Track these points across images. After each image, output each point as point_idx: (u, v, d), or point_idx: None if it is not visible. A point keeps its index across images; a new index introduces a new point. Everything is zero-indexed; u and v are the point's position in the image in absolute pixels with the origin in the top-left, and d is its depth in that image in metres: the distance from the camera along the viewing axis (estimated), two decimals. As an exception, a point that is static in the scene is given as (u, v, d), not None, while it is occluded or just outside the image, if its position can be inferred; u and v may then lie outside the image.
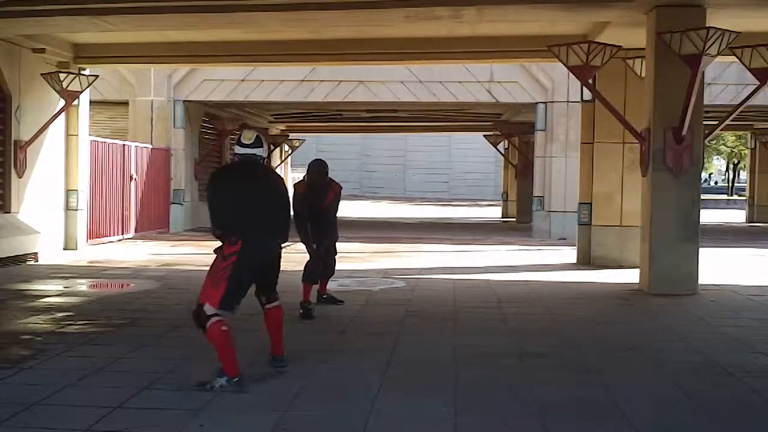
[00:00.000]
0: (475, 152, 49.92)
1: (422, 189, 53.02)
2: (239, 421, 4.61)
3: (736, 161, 58.78)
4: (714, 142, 49.72)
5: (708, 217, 21.94)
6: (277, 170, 24.42)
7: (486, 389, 5.37)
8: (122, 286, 10.27)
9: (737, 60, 10.42)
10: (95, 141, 15.33)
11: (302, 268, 8.27)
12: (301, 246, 8.17)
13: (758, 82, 10.39)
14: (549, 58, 11.06)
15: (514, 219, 25.77)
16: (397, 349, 6.54)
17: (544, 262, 13.32)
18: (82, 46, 13.55)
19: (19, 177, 12.37)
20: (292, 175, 30.34)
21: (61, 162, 13.70)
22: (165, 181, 18.63)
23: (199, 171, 20.04)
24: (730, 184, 61.98)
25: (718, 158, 66.55)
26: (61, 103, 12.98)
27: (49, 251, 12.76)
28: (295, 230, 7.46)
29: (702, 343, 6.93)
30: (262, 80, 18.56)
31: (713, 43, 8.99)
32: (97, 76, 13.57)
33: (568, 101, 18.29)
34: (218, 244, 5.48)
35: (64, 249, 13.61)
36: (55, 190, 13.51)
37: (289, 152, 28.90)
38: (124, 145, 16.85)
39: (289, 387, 5.28)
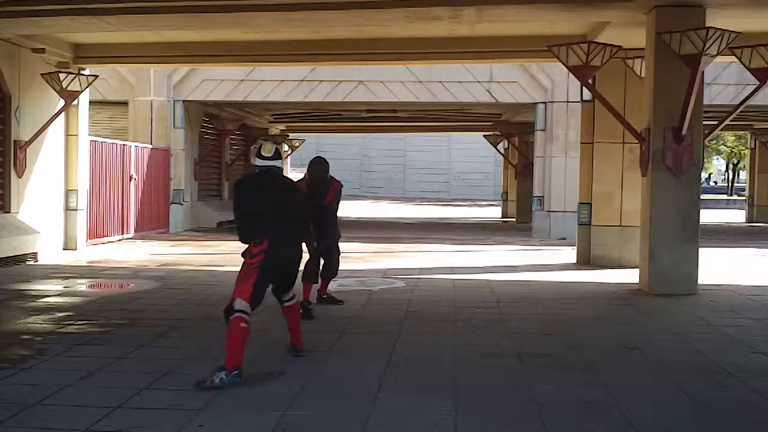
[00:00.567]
0: (475, 152, 49.93)
1: (422, 189, 53.03)
2: (239, 421, 4.61)
3: (735, 161, 58.80)
4: (714, 142, 49.73)
5: (708, 217, 21.94)
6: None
7: (486, 389, 5.37)
8: (122, 286, 10.27)
9: (737, 60, 10.43)
10: (95, 141, 15.33)
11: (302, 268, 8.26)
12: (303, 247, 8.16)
13: (758, 82, 10.40)
14: (549, 58, 11.07)
15: (513, 219, 25.77)
16: (397, 349, 6.54)
17: (544, 262, 13.32)
18: (82, 46, 13.55)
19: (19, 177, 12.37)
20: (291, 175, 30.32)
21: (60, 162, 13.70)
22: (165, 181, 18.63)
23: (198, 171, 20.06)
24: (730, 184, 62.00)
25: (717, 158, 66.57)
26: (61, 103, 12.98)
27: (48, 251, 12.76)
28: None
29: (702, 343, 6.93)
30: (262, 80, 18.57)
31: (713, 43, 8.99)
32: (96, 76, 13.57)
33: (567, 101, 18.30)
34: (242, 246, 5.85)
35: (64, 249, 13.61)
36: (54, 190, 13.50)
37: (289, 152, 28.87)
38: (123, 145, 16.85)
39: (289, 387, 5.28)
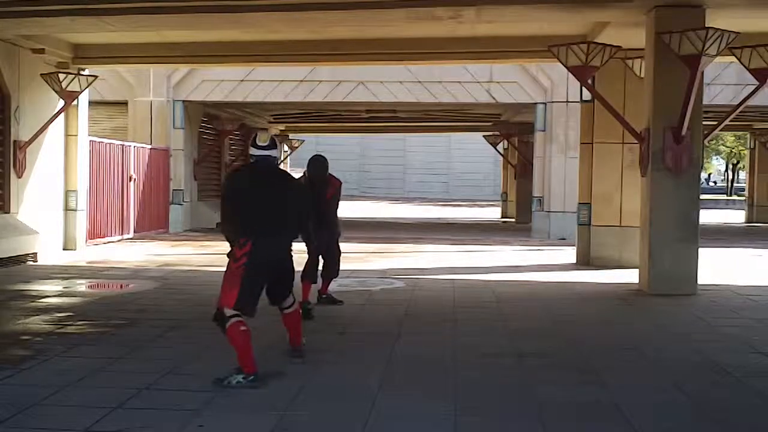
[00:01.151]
0: (475, 152, 49.94)
1: (421, 189, 53.04)
2: (239, 421, 4.61)
3: (735, 161, 58.79)
4: (713, 142, 49.72)
5: (707, 217, 21.95)
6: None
7: (486, 389, 5.37)
8: (121, 287, 10.26)
9: (736, 60, 10.43)
10: (94, 141, 15.33)
11: (302, 268, 8.26)
12: (302, 246, 8.16)
13: (757, 83, 10.40)
14: (548, 59, 11.07)
15: (513, 219, 25.76)
16: (397, 349, 6.54)
17: (544, 263, 13.32)
18: (82, 47, 13.54)
19: (19, 177, 12.37)
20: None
21: (60, 162, 13.70)
22: (164, 182, 18.63)
23: (198, 171, 20.05)
24: (730, 185, 61.98)
25: (717, 158, 66.57)
26: (61, 103, 12.97)
27: (48, 251, 12.76)
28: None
29: (702, 343, 6.94)
30: (262, 80, 18.55)
31: (712, 43, 8.99)
32: (96, 77, 13.56)
33: (567, 101, 18.29)
34: (228, 248, 5.62)
35: (64, 249, 13.61)
36: (54, 190, 13.50)
37: (289, 152, 28.90)
38: (123, 145, 16.85)
39: (289, 387, 5.28)
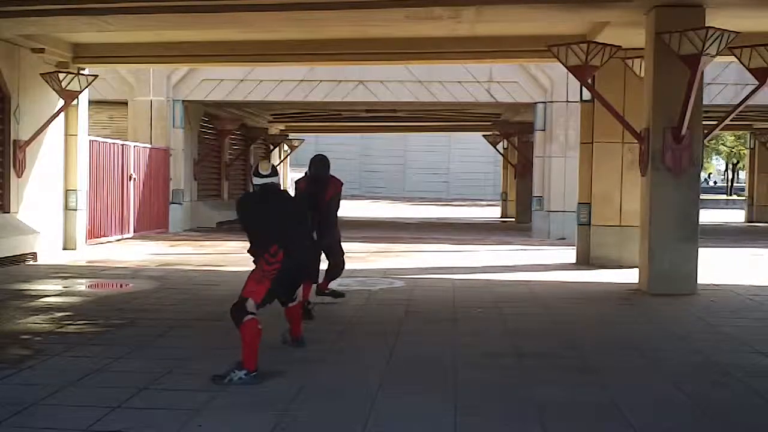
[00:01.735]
0: (475, 152, 49.96)
1: (421, 189, 53.04)
2: (239, 421, 4.61)
3: (735, 161, 58.82)
4: (713, 142, 49.74)
5: (707, 217, 21.94)
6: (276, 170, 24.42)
7: (486, 389, 5.37)
8: (121, 286, 10.26)
9: (736, 60, 10.42)
10: (94, 141, 15.32)
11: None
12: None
13: (757, 82, 10.39)
14: (548, 58, 11.06)
15: (513, 219, 25.76)
16: (397, 349, 6.54)
17: (544, 262, 13.32)
18: (82, 46, 13.54)
19: (19, 177, 12.37)
20: (291, 175, 30.34)
21: (60, 162, 13.70)
22: (164, 181, 18.63)
23: (198, 171, 20.06)
24: (729, 184, 62.00)
25: (717, 158, 66.59)
26: (61, 102, 12.97)
27: (48, 251, 12.76)
28: None
29: (702, 343, 6.94)
30: (261, 80, 18.56)
31: (712, 43, 8.99)
32: (96, 76, 13.56)
33: (567, 101, 18.29)
34: (251, 249, 5.99)
35: (64, 249, 13.61)
36: (54, 189, 13.50)
37: (288, 152, 28.91)
38: (123, 144, 16.85)
39: (289, 387, 5.28)
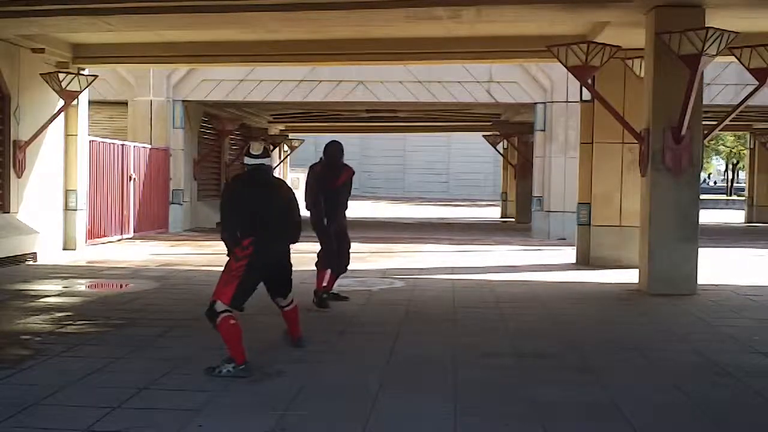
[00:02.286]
0: (475, 152, 50.01)
1: (421, 189, 53.08)
2: (239, 421, 4.61)
3: (735, 161, 58.80)
4: (713, 142, 49.73)
5: (707, 217, 21.94)
6: (276, 170, 24.52)
7: (486, 389, 5.37)
8: (121, 286, 10.26)
9: (736, 60, 10.42)
10: (94, 141, 15.33)
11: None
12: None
13: (757, 83, 10.39)
14: (548, 59, 11.06)
15: (513, 219, 25.77)
16: (396, 349, 6.54)
17: (544, 262, 13.32)
18: (82, 46, 13.54)
19: (18, 177, 12.37)
20: (291, 175, 30.35)
21: (60, 162, 13.70)
22: (164, 181, 18.63)
23: (198, 171, 20.05)
24: (729, 185, 61.97)
25: (717, 158, 66.56)
26: (60, 103, 12.97)
27: (48, 251, 12.76)
28: (309, 218, 8.15)
29: (702, 343, 6.94)
30: (261, 80, 18.56)
31: (712, 43, 8.99)
32: (96, 76, 13.56)
33: (567, 101, 18.29)
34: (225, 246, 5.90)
35: (63, 249, 13.61)
36: (54, 190, 13.50)
37: (288, 152, 28.90)
38: (123, 145, 16.84)
39: (289, 387, 5.28)
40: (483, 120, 25.87)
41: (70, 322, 7.48)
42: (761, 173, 27.97)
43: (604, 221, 12.65)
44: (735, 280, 11.11)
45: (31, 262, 12.15)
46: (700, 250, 9.91)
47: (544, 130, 18.81)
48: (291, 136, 29.20)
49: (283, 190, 6.17)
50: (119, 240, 16.18)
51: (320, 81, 18.59)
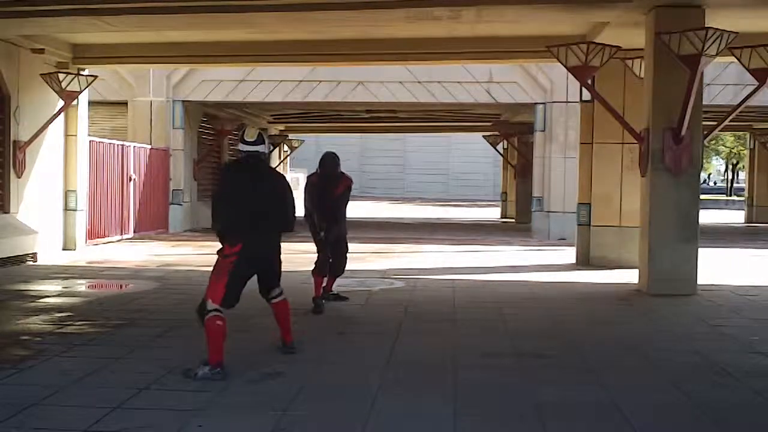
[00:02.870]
0: (474, 152, 50.00)
1: (421, 189, 53.07)
2: (239, 421, 4.61)
3: (735, 162, 58.82)
4: (713, 142, 49.75)
5: (707, 217, 21.95)
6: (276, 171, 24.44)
7: (486, 389, 5.37)
8: (121, 287, 10.26)
9: (736, 60, 10.42)
10: (94, 141, 15.33)
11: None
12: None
13: (757, 83, 10.40)
14: (548, 59, 11.06)
15: (513, 219, 25.77)
16: (396, 349, 6.54)
17: (544, 263, 13.32)
18: (82, 47, 13.54)
19: (18, 177, 12.37)
20: (291, 175, 30.33)
21: (60, 162, 13.70)
22: (164, 182, 18.63)
23: (198, 171, 20.04)
24: (729, 185, 62.02)
25: (717, 158, 66.58)
26: (60, 103, 12.97)
27: (48, 251, 12.75)
28: (304, 221, 8.15)
29: (702, 343, 6.94)
30: (261, 80, 18.56)
31: (712, 43, 8.99)
32: (96, 77, 13.56)
33: (567, 101, 18.29)
34: (219, 245, 5.83)
35: (63, 249, 13.61)
36: (54, 190, 13.50)
37: (288, 152, 28.90)
38: (123, 145, 16.84)
39: (289, 387, 5.28)
40: (483, 120, 25.87)
41: (70, 322, 7.48)
42: (761, 173, 27.99)
43: (604, 221, 12.65)
44: (735, 281, 11.11)
45: (31, 263, 12.15)
46: (700, 250, 9.91)
47: (544, 131, 18.81)
48: (291, 136, 29.20)
49: (278, 181, 6.03)
50: (119, 240, 16.18)
51: (320, 81, 18.59)
